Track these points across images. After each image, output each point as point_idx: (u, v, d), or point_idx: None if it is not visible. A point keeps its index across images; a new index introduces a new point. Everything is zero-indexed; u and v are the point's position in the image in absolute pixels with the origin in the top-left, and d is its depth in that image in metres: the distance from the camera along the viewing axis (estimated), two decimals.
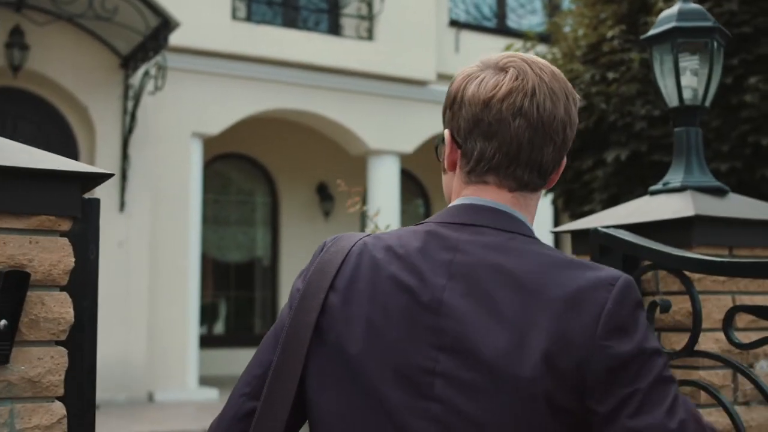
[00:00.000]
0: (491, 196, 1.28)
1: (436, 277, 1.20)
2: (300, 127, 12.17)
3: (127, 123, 9.53)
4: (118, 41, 9.43)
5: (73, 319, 1.55)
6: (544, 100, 1.25)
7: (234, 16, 10.74)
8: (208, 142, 10.89)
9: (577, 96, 1.31)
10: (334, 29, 11.65)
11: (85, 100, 9.50)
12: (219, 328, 13.23)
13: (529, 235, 1.26)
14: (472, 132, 1.27)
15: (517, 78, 1.25)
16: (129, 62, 9.51)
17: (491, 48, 12.68)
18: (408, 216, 13.09)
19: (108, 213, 9.43)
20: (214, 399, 10.01)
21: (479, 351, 1.14)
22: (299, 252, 13.01)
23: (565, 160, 1.32)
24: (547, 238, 10.89)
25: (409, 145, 11.88)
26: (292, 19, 11.38)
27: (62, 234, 1.56)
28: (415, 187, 14.37)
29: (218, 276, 13.17)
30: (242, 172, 13.14)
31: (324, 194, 13.10)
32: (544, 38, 8.52)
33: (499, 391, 1.12)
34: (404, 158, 12.14)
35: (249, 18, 11.02)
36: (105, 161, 9.53)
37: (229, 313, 13.31)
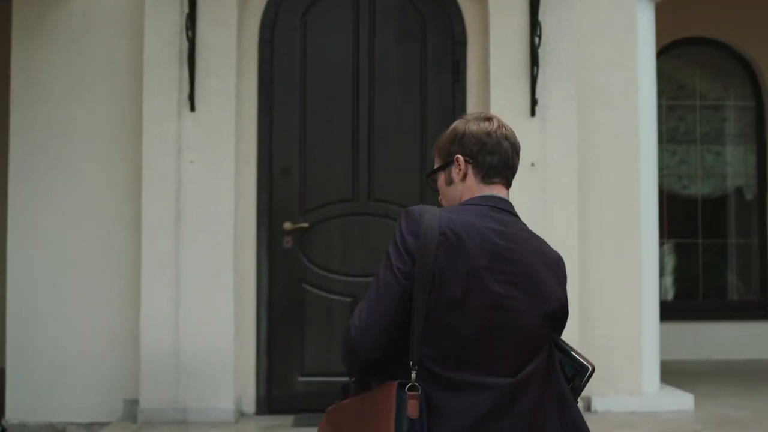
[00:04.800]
0: (501, 192, 2.30)
1: (497, 239, 2.17)
2: None
3: None
4: None
5: None
6: (512, 133, 2.34)
7: None
8: (662, 18, 7.01)
9: None
10: None
11: None
12: (669, 293, 9.29)
13: (518, 216, 2.30)
14: (480, 151, 2.29)
15: (498, 122, 2.33)
16: None
17: None
18: None
19: (516, 118, 5.98)
20: (687, 410, 6.23)
21: (530, 275, 2.19)
22: None
23: None
24: None
25: None
26: None
27: None
28: None
29: (676, 215, 9.25)
30: (711, 64, 9.10)
31: None
32: None
33: (536, 294, 2.19)
34: None
35: None
36: (503, 41, 6.20)
37: (689, 269, 9.31)
